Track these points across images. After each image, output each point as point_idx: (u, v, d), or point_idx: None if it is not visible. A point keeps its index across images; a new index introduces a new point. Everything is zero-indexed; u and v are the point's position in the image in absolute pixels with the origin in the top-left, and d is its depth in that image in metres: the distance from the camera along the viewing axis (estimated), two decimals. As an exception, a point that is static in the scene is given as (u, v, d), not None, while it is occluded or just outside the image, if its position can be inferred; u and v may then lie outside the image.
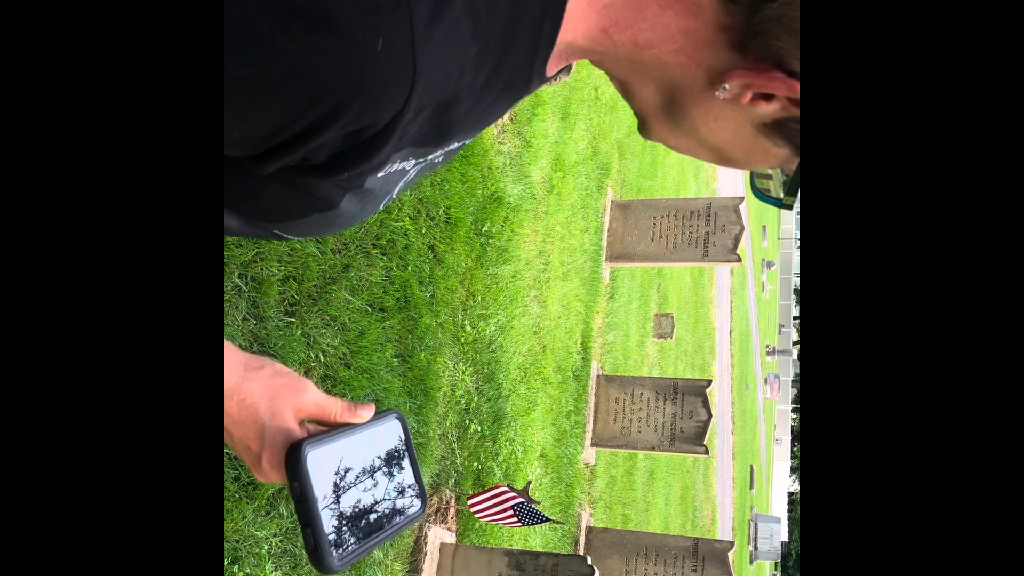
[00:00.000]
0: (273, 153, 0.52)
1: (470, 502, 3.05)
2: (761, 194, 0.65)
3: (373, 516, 0.68)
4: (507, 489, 3.03)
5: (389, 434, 0.73)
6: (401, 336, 2.96)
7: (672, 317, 7.55)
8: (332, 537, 0.62)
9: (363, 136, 0.51)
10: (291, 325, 2.35)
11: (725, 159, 0.62)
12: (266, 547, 2.18)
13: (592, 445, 5.16)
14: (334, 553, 0.62)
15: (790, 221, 38.37)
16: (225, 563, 2.06)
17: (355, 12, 0.45)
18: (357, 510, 0.66)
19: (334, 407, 0.70)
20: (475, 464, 3.53)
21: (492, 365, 3.83)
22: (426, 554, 2.93)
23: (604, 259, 5.54)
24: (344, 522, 0.64)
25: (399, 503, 0.71)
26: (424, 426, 3.08)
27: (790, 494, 42.63)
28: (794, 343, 37.21)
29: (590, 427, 5.15)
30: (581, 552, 4.82)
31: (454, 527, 3.23)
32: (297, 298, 2.39)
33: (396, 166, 0.59)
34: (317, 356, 2.46)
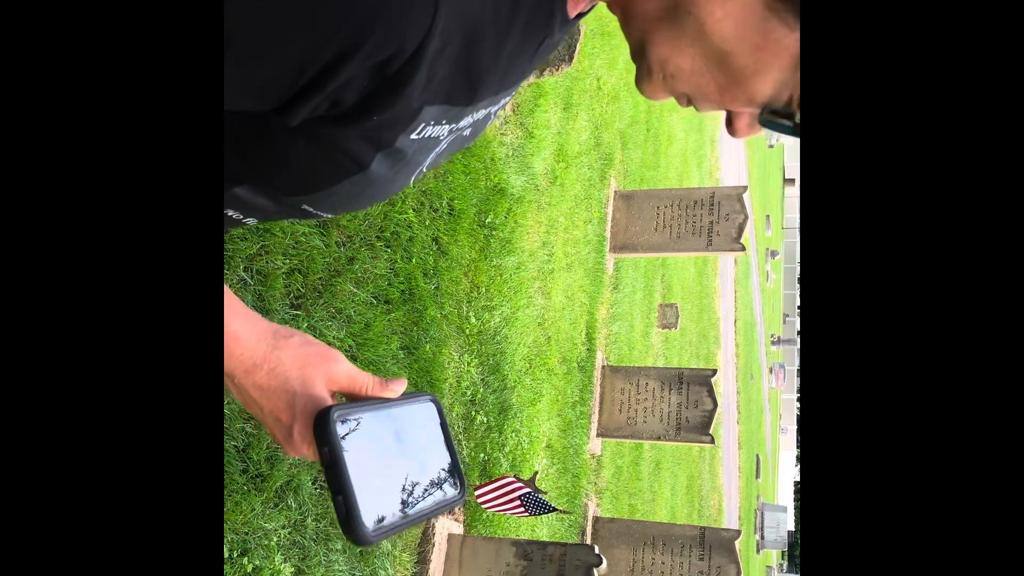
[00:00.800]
0: (301, 97, 0.51)
1: (477, 493, 3.07)
2: (771, 123, 0.61)
3: (408, 492, 0.65)
4: (514, 479, 3.03)
5: (423, 414, 0.70)
6: (406, 328, 2.96)
7: (676, 307, 7.54)
8: (365, 507, 0.60)
9: (391, 69, 0.50)
10: (297, 318, 2.36)
11: (731, 70, 0.57)
12: (275, 539, 2.19)
13: (598, 435, 5.17)
14: (367, 523, 0.59)
15: (794, 210, 38.26)
16: (235, 555, 2.08)
17: None
18: (391, 483, 0.64)
19: (366, 380, 0.68)
20: (482, 455, 3.54)
21: (497, 356, 3.83)
22: (434, 545, 2.94)
23: (608, 250, 5.54)
24: (377, 494, 0.62)
25: (436, 483, 0.68)
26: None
27: (796, 483, 42.65)
28: (799, 332, 37.17)
29: (596, 418, 5.16)
30: (588, 542, 4.83)
31: (462, 518, 3.24)
32: (302, 291, 2.40)
33: (429, 131, 0.58)
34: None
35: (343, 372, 0.67)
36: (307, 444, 0.63)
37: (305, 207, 0.65)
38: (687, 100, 0.62)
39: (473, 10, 0.51)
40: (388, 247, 2.87)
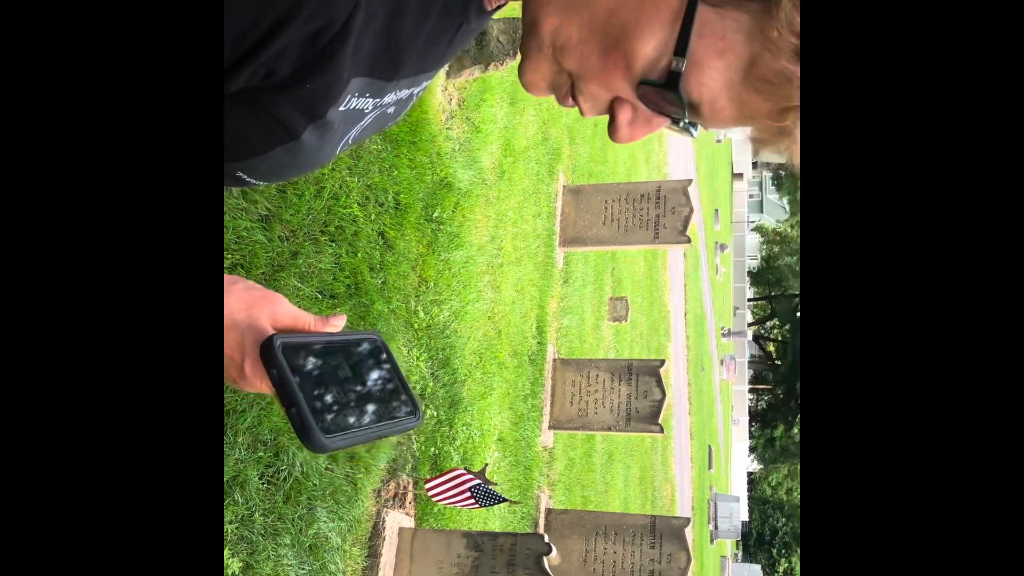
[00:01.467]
0: (240, 64, 0.53)
1: (427, 486, 3.07)
2: (646, 98, 0.61)
3: (361, 408, 0.70)
4: (464, 472, 3.05)
5: (368, 348, 0.75)
6: (353, 323, 2.96)
7: (627, 300, 7.63)
8: (318, 418, 0.65)
9: (322, 40, 0.53)
10: (240, 313, 2.34)
11: (615, 29, 0.58)
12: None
13: (550, 428, 5.21)
14: (321, 433, 0.64)
15: (743, 204, 38.93)
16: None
17: None
18: (342, 399, 0.69)
19: (308, 318, 0.73)
20: (432, 449, 3.55)
21: (447, 351, 3.84)
22: (384, 539, 2.94)
23: (557, 244, 5.58)
24: (329, 407, 0.67)
25: (389, 406, 0.73)
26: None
27: (749, 474, 43.42)
28: (749, 324, 37.81)
29: (547, 410, 5.20)
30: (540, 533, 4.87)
31: (412, 512, 3.25)
32: (245, 286, 2.38)
33: (354, 103, 0.61)
34: (267, 344, 2.45)
35: (286, 312, 0.72)
36: (259, 377, 0.68)
37: (240, 174, 0.67)
38: (568, 88, 0.63)
39: None
40: (333, 241, 2.86)
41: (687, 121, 0.60)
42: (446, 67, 3.87)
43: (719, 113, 0.58)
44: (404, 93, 0.67)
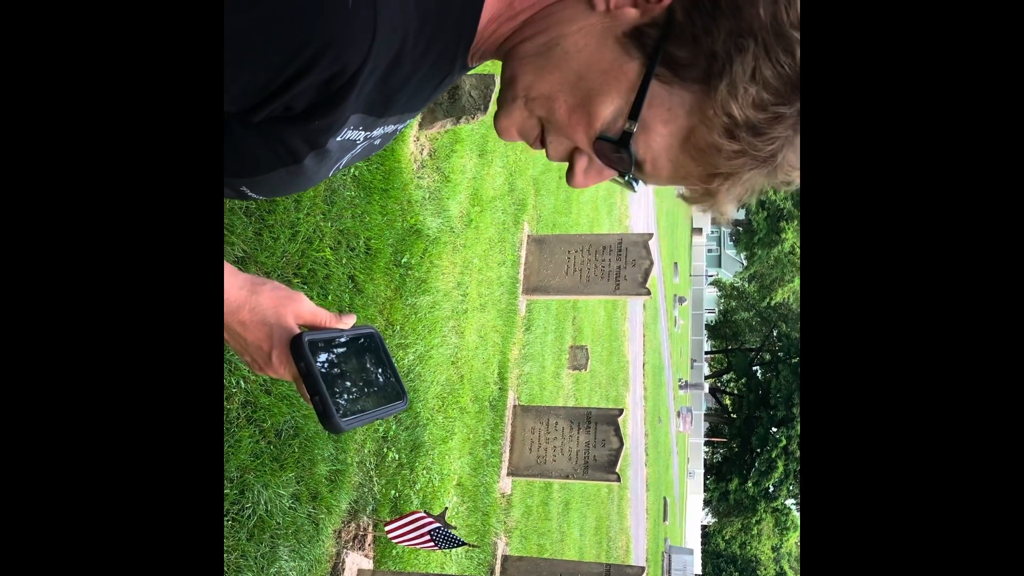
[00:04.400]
0: (266, 102, 0.63)
1: (387, 528, 3.10)
2: (602, 152, 0.71)
3: (367, 394, 0.84)
4: (424, 515, 3.09)
5: (369, 341, 0.89)
6: (321, 364, 3.00)
7: (587, 349, 7.74)
8: (335, 404, 0.78)
9: (334, 86, 0.62)
10: (212, 351, 2.38)
11: (585, 94, 0.68)
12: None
13: (508, 474, 5.25)
14: (338, 417, 0.78)
15: (701, 258, 39.57)
16: None
17: None
18: (354, 387, 0.82)
19: (325, 315, 0.86)
20: (392, 492, 3.58)
21: (411, 394, 3.89)
22: (343, 580, 2.95)
23: (520, 291, 5.69)
24: (344, 394, 0.80)
25: (385, 392, 0.87)
26: (342, 453, 3.12)
27: (703, 526, 43.36)
28: (706, 377, 38.14)
29: (506, 456, 5.24)
30: (497, 580, 4.87)
31: (371, 553, 3.27)
32: (218, 325, 2.43)
33: (349, 134, 0.71)
34: (238, 382, 2.49)
35: (307, 309, 0.85)
36: (283, 365, 0.81)
37: (243, 188, 0.77)
38: (539, 132, 0.74)
39: (397, 43, 0.63)
40: (305, 284, 2.93)
41: (631, 176, 0.72)
42: (419, 119, 4.00)
43: (659, 171, 0.71)
44: (390, 128, 0.78)
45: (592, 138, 0.70)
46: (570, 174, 0.75)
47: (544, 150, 0.75)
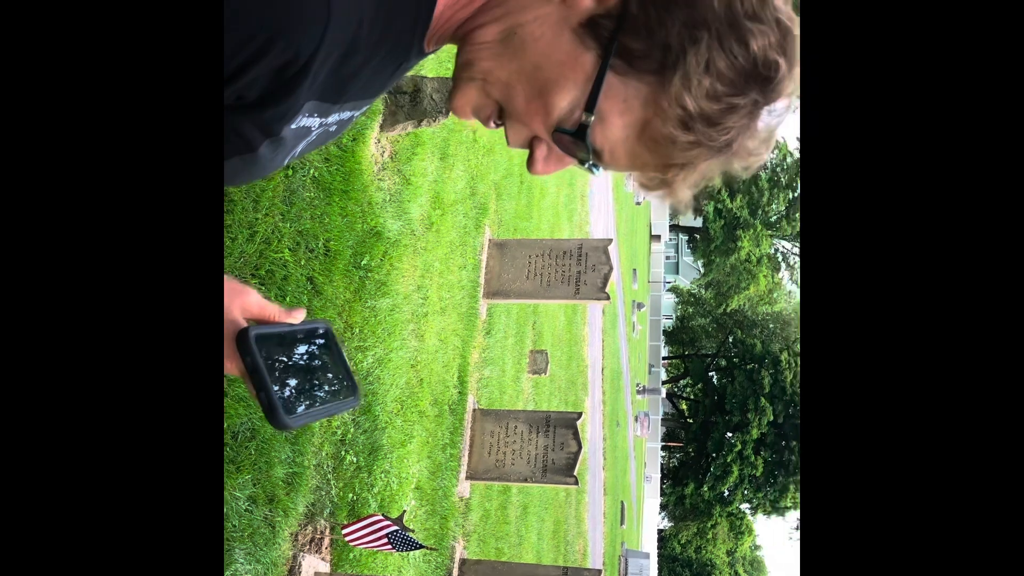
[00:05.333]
0: None
1: (344, 531, 3.08)
2: (560, 142, 0.72)
3: (315, 391, 0.81)
4: (382, 518, 3.08)
5: (321, 335, 0.86)
6: (279, 366, 2.97)
7: (546, 353, 7.77)
8: (281, 401, 0.75)
9: (287, 73, 0.62)
10: (168, 352, 2.35)
11: (538, 81, 0.69)
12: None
13: (467, 478, 5.24)
14: (285, 413, 0.75)
15: (660, 265, 39.96)
16: None
17: None
18: (303, 383, 0.80)
19: (274, 309, 0.83)
20: (350, 495, 3.55)
21: (369, 397, 3.87)
22: (300, 584, 2.93)
23: (481, 295, 5.69)
24: (290, 391, 0.77)
25: (336, 388, 0.84)
26: (300, 456, 3.09)
27: (659, 531, 43.68)
28: (663, 382, 38.50)
29: (465, 460, 5.24)
30: (455, 584, 4.86)
31: (328, 557, 3.24)
32: (174, 325, 2.39)
33: (304, 120, 0.70)
34: (193, 383, 2.46)
35: (255, 302, 0.81)
36: (230, 360, 0.77)
37: None
38: (496, 114, 0.74)
39: (351, 30, 0.63)
40: (263, 285, 2.90)
41: (591, 163, 0.73)
42: (380, 121, 3.99)
43: (617, 161, 0.72)
44: (346, 115, 0.78)
45: (550, 128, 0.71)
46: (530, 162, 0.75)
47: (503, 132, 0.75)
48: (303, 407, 0.78)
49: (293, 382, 0.79)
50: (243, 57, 0.59)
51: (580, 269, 5.43)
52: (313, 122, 0.72)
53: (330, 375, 0.85)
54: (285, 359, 0.79)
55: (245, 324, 0.79)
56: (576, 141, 0.70)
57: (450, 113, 4.08)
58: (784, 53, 0.64)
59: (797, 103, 0.64)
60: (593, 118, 0.68)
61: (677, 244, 46.51)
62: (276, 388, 0.75)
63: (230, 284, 0.81)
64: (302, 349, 0.83)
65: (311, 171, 3.37)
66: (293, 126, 0.70)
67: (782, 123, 0.68)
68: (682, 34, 0.63)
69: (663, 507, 41.13)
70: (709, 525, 39.00)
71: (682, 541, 41.06)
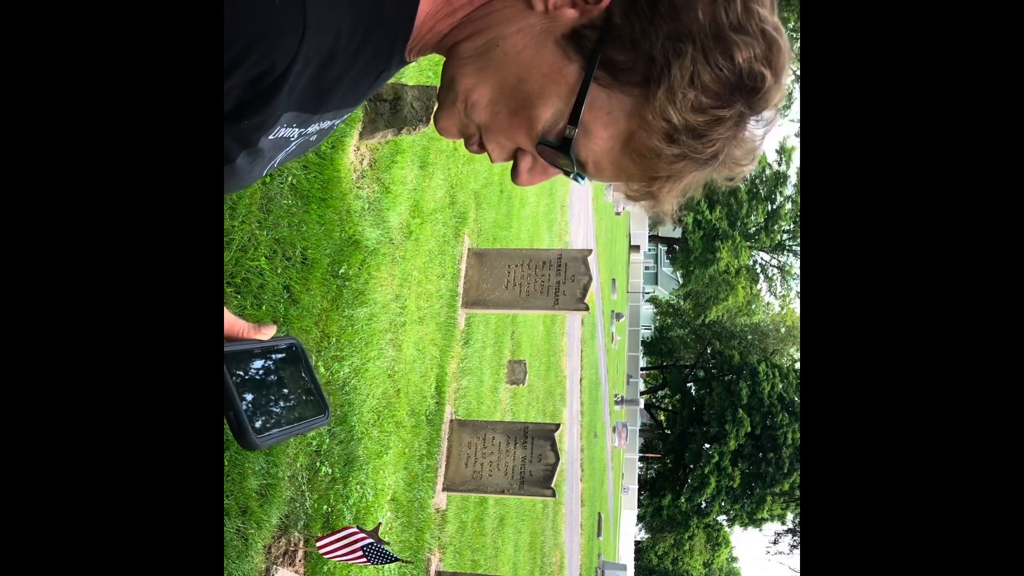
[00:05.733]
0: None
1: (319, 544, 3.04)
2: (545, 153, 0.72)
3: (284, 410, 0.79)
4: (357, 530, 3.03)
5: (289, 353, 0.84)
6: (253, 375, 2.93)
7: (525, 364, 7.74)
8: (252, 420, 0.74)
9: (263, 84, 0.60)
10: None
11: (525, 98, 0.69)
12: None
13: (444, 490, 5.20)
14: (253, 433, 0.73)
15: (639, 275, 40.13)
16: None
17: None
18: (272, 403, 0.78)
19: (242, 326, 0.80)
20: (325, 507, 3.50)
21: (345, 407, 3.83)
22: (272, 598, 2.88)
23: (460, 305, 5.66)
24: (259, 411, 0.76)
25: (305, 406, 0.83)
26: (274, 467, 3.05)
27: (636, 542, 43.70)
28: (641, 393, 38.60)
29: (442, 471, 5.20)
30: (430, 597, 4.81)
31: (302, 569, 3.19)
32: (146, 333, 2.35)
33: (283, 131, 0.69)
34: (165, 393, 2.42)
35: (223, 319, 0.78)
36: None
37: None
38: (477, 138, 0.73)
39: (330, 40, 0.62)
40: (238, 293, 2.86)
41: (576, 174, 0.72)
42: (359, 128, 3.96)
43: (602, 172, 0.71)
44: (326, 124, 0.76)
45: (534, 139, 0.70)
46: (515, 173, 0.74)
47: (485, 154, 0.74)
48: (272, 426, 0.77)
49: (261, 402, 0.77)
50: None
51: (559, 279, 5.42)
52: (292, 132, 0.70)
53: (300, 393, 0.83)
54: (254, 378, 0.78)
55: None
56: (560, 153, 0.69)
57: (430, 122, 4.07)
58: (770, 64, 0.64)
59: (790, 112, 0.63)
60: (577, 130, 0.67)
61: (656, 255, 46.75)
62: (244, 407, 0.73)
63: None
64: (271, 367, 0.81)
65: (289, 178, 3.33)
66: (271, 136, 0.68)
67: (768, 133, 0.68)
68: (666, 47, 0.63)
69: (640, 518, 41.16)
70: (686, 536, 39.06)
71: (659, 553, 41.10)
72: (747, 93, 0.64)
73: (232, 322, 0.80)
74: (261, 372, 0.79)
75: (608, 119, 0.67)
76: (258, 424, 0.74)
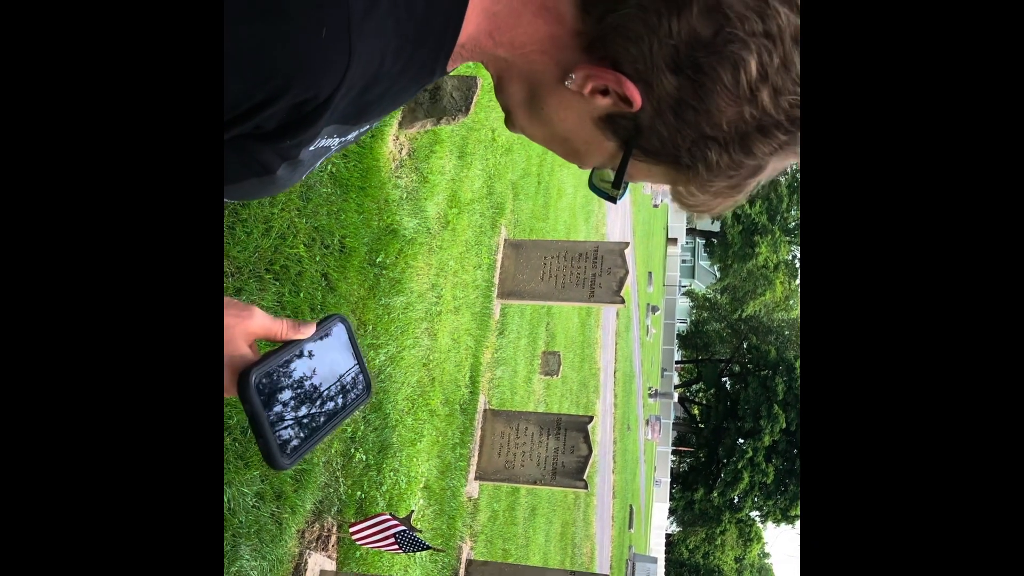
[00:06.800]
0: (232, 122, 0.61)
1: (352, 529, 3.07)
2: (596, 188, 0.80)
3: (318, 417, 0.80)
4: (389, 517, 3.06)
5: (334, 339, 0.84)
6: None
7: (559, 355, 7.74)
8: (280, 443, 0.75)
9: (306, 109, 0.62)
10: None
11: (572, 150, 0.75)
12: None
13: (476, 479, 5.22)
14: (282, 457, 0.75)
15: (675, 268, 39.82)
16: None
17: (304, 5, 0.56)
18: (303, 416, 0.78)
19: (279, 328, 0.81)
20: (359, 493, 3.54)
21: (380, 395, 3.86)
22: (305, 581, 2.92)
23: (495, 295, 5.67)
24: (291, 428, 0.77)
25: (344, 398, 0.83)
26: (309, 453, 3.09)
27: (667, 535, 43.53)
28: (675, 386, 38.39)
29: (475, 460, 5.22)
30: (461, 585, 4.85)
31: (335, 555, 3.23)
32: (187, 318, 2.39)
33: (324, 142, 0.70)
34: (204, 377, 2.45)
35: (259, 325, 0.80)
36: (233, 388, 0.77)
37: None
38: None
39: (375, 66, 0.63)
40: (277, 280, 2.89)
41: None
42: (399, 118, 3.97)
43: (644, 182, 0.78)
44: (364, 128, 0.78)
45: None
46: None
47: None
48: (302, 439, 0.78)
49: (294, 417, 0.78)
50: (262, 95, 0.59)
51: (595, 272, 5.39)
52: (332, 142, 0.72)
53: (342, 382, 0.83)
54: (290, 394, 0.78)
55: (249, 353, 0.78)
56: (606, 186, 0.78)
57: (469, 112, 4.06)
58: (790, 147, 0.67)
59: None
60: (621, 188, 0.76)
61: (694, 248, 46.35)
62: (275, 432, 0.75)
63: (233, 309, 0.79)
64: (314, 367, 0.81)
65: (328, 167, 3.36)
66: (311, 148, 0.70)
67: None
68: (693, 150, 0.67)
69: (672, 512, 40.97)
70: (718, 531, 38.83)
71: (690, 546, 40.91)
72: (779, 146, 0.67)
73: (268, 327, 0.80)
74: (298, 383, 0.79)
75: (649, 175, 0.73)
76: (288, 449, 0.76)
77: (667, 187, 0.76)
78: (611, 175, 0.76)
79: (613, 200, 0.79)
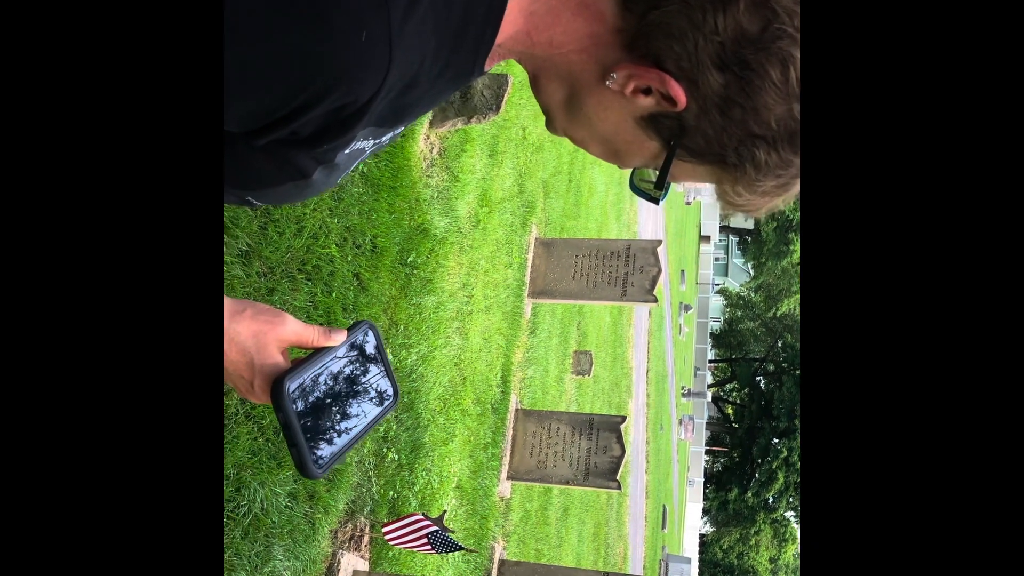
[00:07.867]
0: (269, 128, 0.61)
1: (384, 530, 3.07)
2: (638, 189, 0.78)
3: (349, 424, 0.81)
4: (422, 517, 3.05)
5: (363, 346, 0.85)
6: (322, 361, 2.97)
7: (591, 354, 7.69)
8: (312, 452, 0.75)
9: (344, 113, 0.61)
10: (212, 345, 2.35)
11: (613, 150, 0.73)
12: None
13: (508, 478, 5.21)
14: (314, 466, 0.76)
15: (708, 266, 39.51)
16: None
17: (344, 9, 0.55)
18: (335, 423, 0.79)
19: (311, 334, 0.82)
20: (391, 493, 3.54)
21: (412, 395, 3.86)
22: (338, 581, 2.92)
23: (526, 295, 5.65)
24: (323, 437, 0.77)
25: (373, 405, 0.84)
26: (340, 463, 3.09)
27: (701, 536, 43.21)
28: (709, 386, 38.07)
29: (507, 460, 5.20)
30: (493, 585, 4.83)
31: (368, 555, 3.23)
32: (220, 319, 2.40)
33: (359, 144, 0.70)
34: (237, 378, 2.46)
35: (291, 331, 0.81)
36: (265, 394, 0.77)
37: (249, 198, 0.76)
38: None
39: (414, 68, 0.62)
40: (309, 280, 2.90)
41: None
42: (430, 117, 3.96)
43: (687, 182, 0.76)
44: (399, 129, 0.77)
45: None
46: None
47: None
48: (337, 447, 0.78)
49: (327, 424, 0.78)
50: (300, 101, 0.58)
51: (628, 270, 5.35)
52: (367, 144, 0.72)
53: (371, 389, 0.84)
54: (320, 403, 0.78)
55: (281, 360, 0.79)
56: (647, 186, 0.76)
57: (500, 110, 4.04)
58: None
59: None
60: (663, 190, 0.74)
61: (727, 246, 45.91)
62: (308, 441, 0.75)
63: (264, 316, 0.80)
64: (342, 376, 0.81)
65: (360, 167, 3.36)
66: (347, 151, 0.70)
67: None
68: (740, 149, 0.65)
69: (705, 512, 40.63)
70: (752, 531, 38.43)
71: (724, 547, 40.56)
72: None
73: (300, 334, 0.81)
74: (330, 391, 0.80)
75: (693, 175, 0.71)
76: (319, 457, 0.76)
77: (703, 185, 0.74)
78: (653, 175, 0.74)
79: (656, 201, 0.77)
